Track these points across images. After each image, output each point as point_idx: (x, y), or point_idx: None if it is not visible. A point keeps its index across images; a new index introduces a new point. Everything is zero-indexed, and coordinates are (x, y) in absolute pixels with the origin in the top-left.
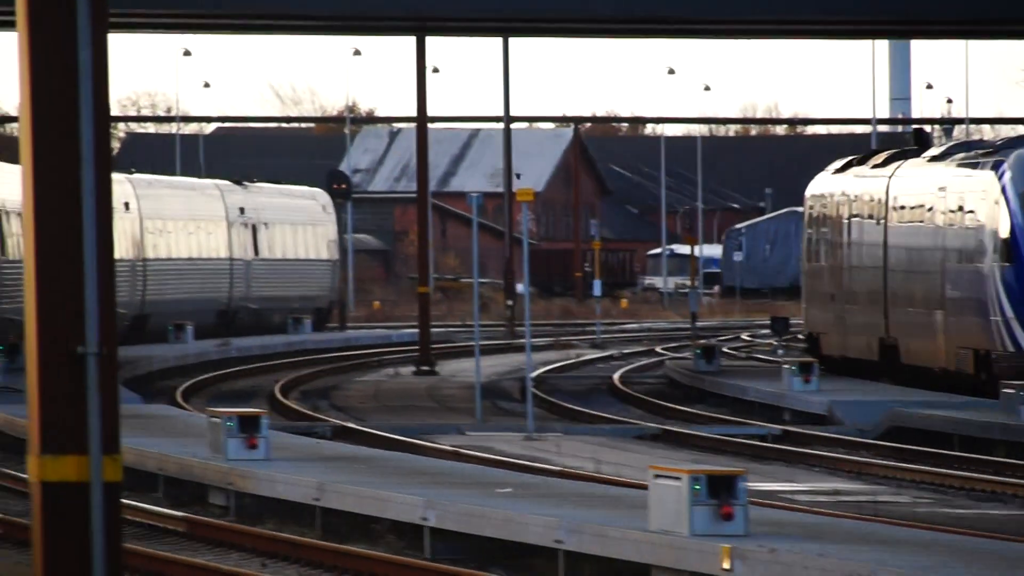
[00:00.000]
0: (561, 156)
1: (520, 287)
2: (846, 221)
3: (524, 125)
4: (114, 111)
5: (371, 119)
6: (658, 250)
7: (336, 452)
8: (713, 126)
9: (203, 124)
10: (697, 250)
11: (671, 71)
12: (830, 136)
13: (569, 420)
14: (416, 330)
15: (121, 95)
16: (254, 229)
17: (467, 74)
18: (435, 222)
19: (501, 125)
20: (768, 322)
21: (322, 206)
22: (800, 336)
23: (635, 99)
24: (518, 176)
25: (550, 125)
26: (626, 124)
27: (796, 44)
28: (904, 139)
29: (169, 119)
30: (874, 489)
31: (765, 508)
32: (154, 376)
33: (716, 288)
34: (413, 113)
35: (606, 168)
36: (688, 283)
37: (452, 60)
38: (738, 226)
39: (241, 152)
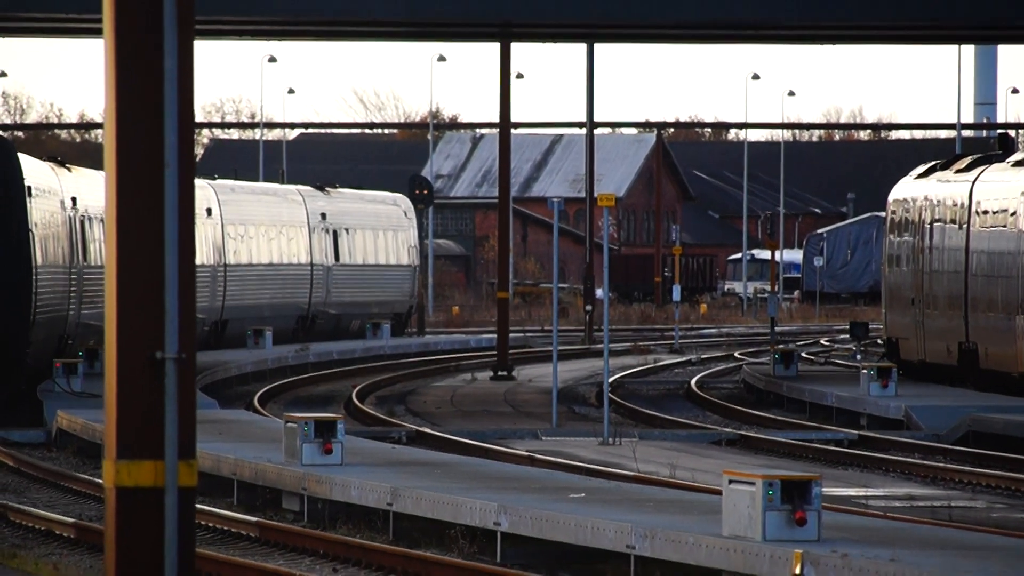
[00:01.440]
0: (643, 161)
1: (600, 292)
2: (928, 226)
3: (607, 130)
4: (198, 117)
5: (454, 125)
6: (738, 255)
7: (411, 457)
8: (796, 131)
9: (286, 130)
10: (778, 255)
11: (755, 76)
12: (914, 141)
13: (645, 425)
14: (494, 335)
15: (206, 101)
16: (335, 235)
17: (550, 79)
18: (516, 227)
19: (583, 130)
20: (847, 327)
21: (403, 211)
22: (879, 341)
23: (719, 104)
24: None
25: (633, 130)
26: (709, 129)
27: (881, 49)
28: (989, 144)
29: (253, 125)
30: (948, 494)
31: (839, 513)
32: (232, 381)
33: (796, 293)
34: (496, 119)
35: (688, 173)
36: (768, 288)
37: (536, 65)
38: (819, 231)
39: (324, 158)
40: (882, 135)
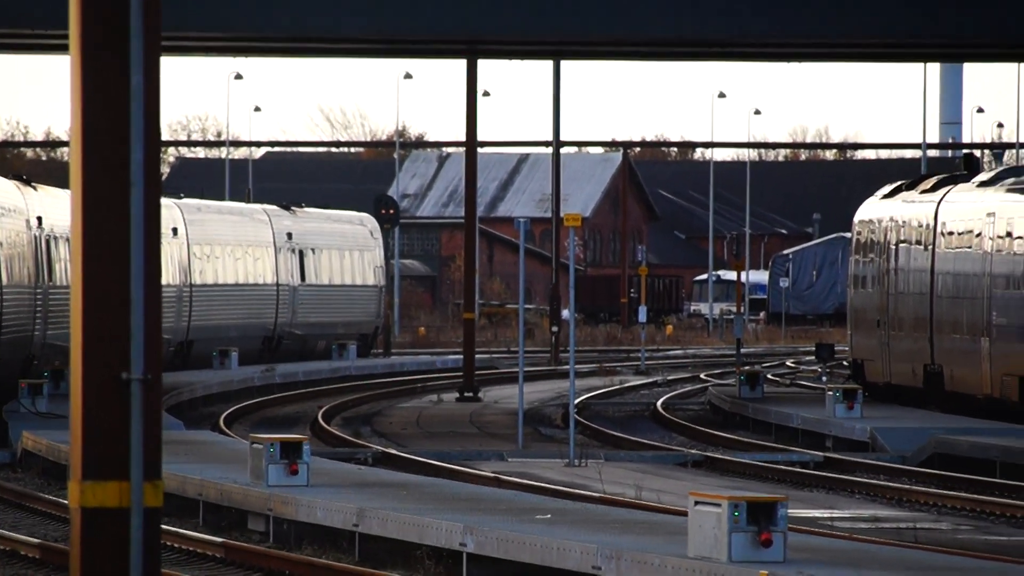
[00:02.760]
0: (609, 181)
1: (566, 313)
2: (893, 246)
3: (573, 149)
4: (164, 135)
5: (420, 143)
6: (705, 276)
7: (376, 478)
8: (762, 150)
9: (253, 148)
10: (743, 276)
11: (721, 95)
12: (880, 161)
13: (611, 446)
14: (460, 356)
15: (172, 119)
16: (301, 255)
17: (516, 98)
18: (482, 248)
19: (550, 150)
20: (813, 349)
21: (369, 231)
22: (845, 363)
23: (685, 123)
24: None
25: (599, 150)
26: (675, 149)
27: (847, 68)
28: (954, 164)
29: (219, 144)
30: (914, 516)
31: (804, 535)
32: (197, 402)
33: (762, 314)
34: (463, 137)
35: (654, 193)
36: (734, 309)
37: (502, 84)
38: (785, 252)
39: (290, 176)
40: (848, 155)
